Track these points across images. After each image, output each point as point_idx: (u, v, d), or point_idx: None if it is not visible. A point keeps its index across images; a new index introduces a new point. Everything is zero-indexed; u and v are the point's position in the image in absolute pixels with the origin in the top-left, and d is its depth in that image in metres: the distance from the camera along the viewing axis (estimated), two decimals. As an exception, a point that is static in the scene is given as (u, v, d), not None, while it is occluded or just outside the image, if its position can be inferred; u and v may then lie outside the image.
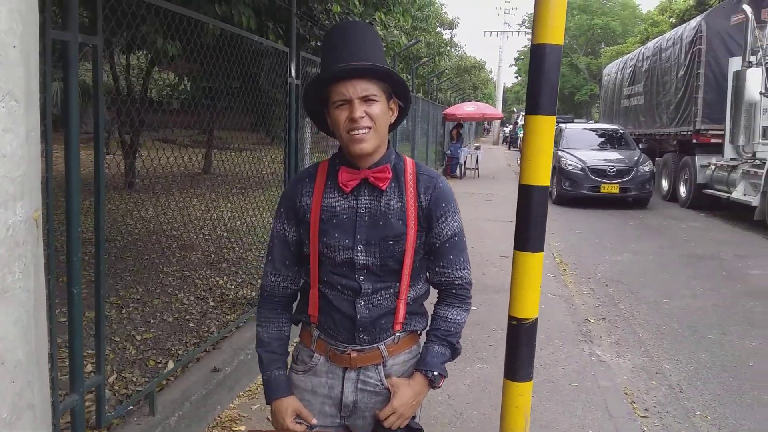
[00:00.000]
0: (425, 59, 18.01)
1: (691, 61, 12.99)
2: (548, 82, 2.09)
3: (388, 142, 1.75)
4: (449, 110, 19.68)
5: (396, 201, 1.70)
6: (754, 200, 10.23)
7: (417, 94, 16.96)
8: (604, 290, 6.64)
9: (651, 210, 12.80)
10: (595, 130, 15.62)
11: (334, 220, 1.69)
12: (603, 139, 14.73)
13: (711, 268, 7.69)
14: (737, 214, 11.32)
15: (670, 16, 28.72)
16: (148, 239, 6.64)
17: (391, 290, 1.72)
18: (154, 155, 3.76)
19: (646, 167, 13.04)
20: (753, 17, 10.61)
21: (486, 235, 8.96)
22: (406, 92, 1.75)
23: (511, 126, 45.39)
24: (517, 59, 60.42)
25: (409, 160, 1.79)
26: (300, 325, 1.84)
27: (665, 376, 4.37)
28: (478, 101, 31.23)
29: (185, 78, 7.14)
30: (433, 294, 1.87)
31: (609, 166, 12.86)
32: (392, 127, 1.77)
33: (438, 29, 25.93)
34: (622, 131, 15.15)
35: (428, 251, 1.79)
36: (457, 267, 1.79)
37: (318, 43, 5.72)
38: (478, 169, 19.28)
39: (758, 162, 10.41)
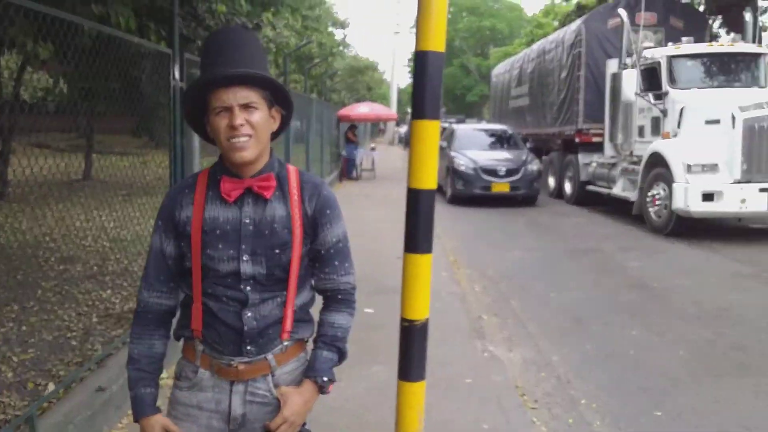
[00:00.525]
0: (318, 60, 17.94)
1: (572, 63, 13.68)
2: (432, 87, 2.12)
3: (271, 150, 1.73)
4: (343, 111, 19.72)
5: (281, 209, 1.68)
6: (632, 196, 10.91)
7: (311, 95, 16.87)
8: (496, 287, 6.84)
9: (539, 207, 13.37)
10: (485, 131, 16.09)
11: (218, 232, 1.65)
12: (493, 139, 15.18)
13: (594, 261, 8.12)
14: (618, 208, 12.01)
15: (554, 19, 30.17)
16: (23, 253, 6.18)
17: (279, 299, 1.70)
18: (26, 162, 3.50)
19: (534, 166, 13.59)
20: (628, 21, 11.30)
21: (383, 237, 9.02)
22: (288, 100, 1.74)
23: (406, 126, 46.08)
24: (410, 60, 61.47)
25: (292, 168, 1.78)
26: (182, 340, 1.78)
27: (553, 368, 4.55)
28: (372, 102, 31.54)
29: (60, 80, 6.71)
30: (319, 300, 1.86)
31: (499, 165, 13.29)
32: (275, 135, 1.75)
33: (330, 29, 25.89)
34: (510, 131, 15.70)
35: (313, 258, 1.79)
36: (343, 273, 1.81)
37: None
38: (374, 170, 19.44)
39: (635, 159, 11.11)
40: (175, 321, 1.82)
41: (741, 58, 10.73)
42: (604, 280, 7.14)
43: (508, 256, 8.47)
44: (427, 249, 2.20)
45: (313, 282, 1.83)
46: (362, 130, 30.05)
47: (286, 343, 1.73)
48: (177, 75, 4.24)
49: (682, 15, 13.35)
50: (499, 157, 13.73)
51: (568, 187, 14.18)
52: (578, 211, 12.87)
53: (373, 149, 21.53)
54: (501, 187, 13.11)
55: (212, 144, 1.72)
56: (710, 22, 16.11)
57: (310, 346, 1.84)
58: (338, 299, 1.82)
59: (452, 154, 13.90)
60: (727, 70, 10.69)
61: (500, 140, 15.13)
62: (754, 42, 11.33)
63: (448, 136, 15.53)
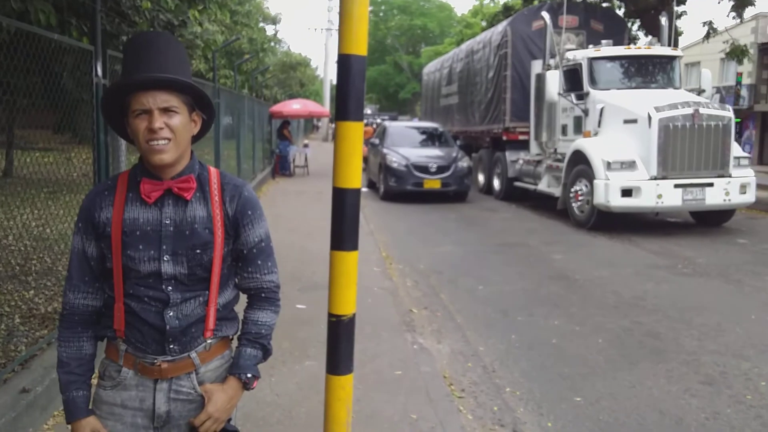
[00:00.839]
0: (248, 56, 17.70)
1: (499, 63, 14.03)
2: (354, 90, 2.20)
3: (192, 152, 1.76)
4: (275, 108, 19.57)
5: (202, 210, 1.72)
6: (557, 191, 11.31)
7: (241, 91, 16.65)
8: (426, 281, 6.99)
9: (469, 203, 13.67)
10: (417, 128, 16.30)
11: (138, 233, 1.67)
12: (424, 137, 15.40)
13: (520, 255, 8.40)
14: (543, 204, 12.44)
15: (482, 19, 30.77)
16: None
17: (201, 298, 1.73)
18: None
19: (464, 163, 13.88)
20: (551, 24, 11.72)
21: (316, 233, 9.04)
22: (209, 105, 1.78)
23: (340, 123, 45.92)
24: (343, 56, 61.40)
25: (213, 170, 1.82)
26: (105, 340, 1.79)
27: (480, 357, 4.71)
28: (305, 98, 31.35)
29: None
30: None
31: (430, 162, 13.50)
32: (196, 138, 1.79)
33: (261, 24, 25.57)
34: (441, 129, 15.98)
35: (236, 258, 1.83)
36: (266, 272, 1.86)
37: (129, 36, 5.44)
38: (307, 166, 19.38)
39: (559, 157, 11.51)
40: None
41: (657, 61, 11.28)
42: (529, 272, 7.40)
43: (439, 250, 8.65)
44: (353, 246, 2.27)
45: (236, 281, 1.87)
46: (295, 127, 29.86)
47: (209, 341, 1.76)
48: (99, 72, 4.15)
49: (602, 18, 13.92)
50: (431, 155, 13.95)
51: (496, 184, 14.55)
52: (506, 206, 13.23)
53: (306, 146, 21.43)
54: (432, 183, 13.33)
55: (132, 144, 1.73)
56: (629, 25, 16.83)
57: (235, 343, 1.88)
58: (262, 297, 1.87)
59: (385, 151, 14.05)
60: (644, 71, 11.22)
61: (431, 138, 15.37)
62: (669, 45, 11.94)
63: (380, 133, 15.67)
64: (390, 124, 16.71)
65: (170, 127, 1.63)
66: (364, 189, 15.94)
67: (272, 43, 26.64)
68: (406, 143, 14.60)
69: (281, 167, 18.55)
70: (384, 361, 4.44)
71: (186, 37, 5.76)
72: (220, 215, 1.74)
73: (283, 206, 12.01)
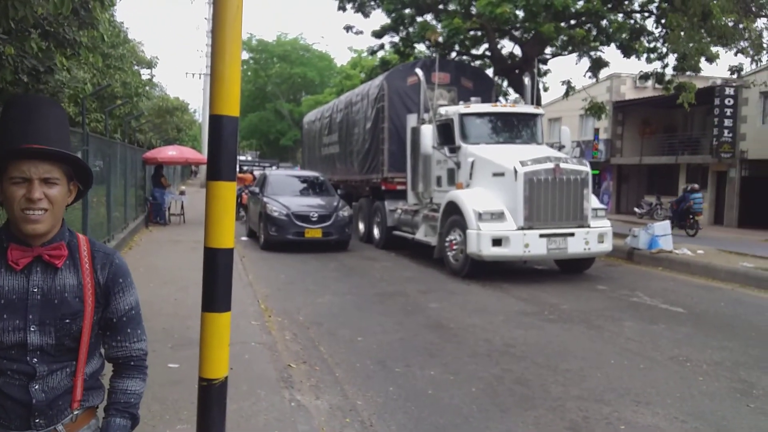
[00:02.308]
0: (120, 101, 17.07)
1: (376, 115, 14.44)
2: (227, 150, 2.21)
3: (63, 220, 1.73)
4: (149, 154, 18.90)
5: (72, 279, 1.68)
6: (433, 240, 11.68)
7: (113, 135, 15.96)
8: (305, 334, 6.93)
9: (350, 251, 13.77)
10: (297, 177, 16.33)
11: (2, 301, 1.61)
12: (305, 185, 15.42)
13: (399, 304, 8.54)
14: (421, 252, 12.76)
15: (361, 71, 31.64)
16: None
17: (68, 369, 1.69)
18: None
19: (345, 212, 13.98)
20: (424, 80, 12.26)
21: (191, 285, 8.71)
22: (89, 177, 1.77)
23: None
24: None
25: (82, 237, 1.78)
26: None
27: (358, 412, 4.70)
28: (182, 144, 30.57)
29: None
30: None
31: (312, 211, 13.49)
32: (68, 205, 1.76)
33: (135, 68, 24.82)
34: (322, 178, 16.07)
35: (104, 326, 1.79)
36: (135, 340, 1.84)
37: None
38: (183, 214, 18.77)
39: (435, 207, 11.93)
40: None
41: (522, 117, 12.10)
42: (406, 321, 7.52)
43: (319, 301, 8.62)
44: (225, 307, 2.23)
45: (103, 350, 1.83)
46: (172, 173, 28.92)
47: (76, 413, 1.72)
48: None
49: (472, 76, 14.76)
50: (312, 204, 13.96)
51: (376, 232, 14.79)
52: (386, 255, 13.45)
53: (182, 193, 20.79)
54: (314, 232, 13.30)
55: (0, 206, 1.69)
56: (497, 83, 17.95)
57: (100, 412, 1.83)
58: (130, 366, 1.84)
59: (265, 200, 13.90)
60: (510, 127, 11.98)
61: (312, 186, 15.40)
62: (532, 103, 12.84)
63: (261, 181, 15.52)
64: (271, 173, 16.63)
65: (49, 198, 1.61)
66: (243, 238, 15.65)
67: (147, 87, 25.84)
68: (287, 192, 14.56)
69: (155, 215, 17.83)
70: (260, 420, 4.32)
71: (52, 84, 5.49)
72: (90, 284, 1.71)
73: (156, 257, 11.51)
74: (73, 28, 5.45)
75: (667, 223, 13.42)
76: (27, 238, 1.63)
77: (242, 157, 45.58)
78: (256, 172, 23.64)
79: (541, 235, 9.99)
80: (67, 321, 1.65)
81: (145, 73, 28.66)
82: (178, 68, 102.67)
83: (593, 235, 10.36)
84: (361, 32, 24.04)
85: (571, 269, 11.25)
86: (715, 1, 13.10)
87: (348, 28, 20.06)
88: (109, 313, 1.77)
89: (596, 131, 29.18)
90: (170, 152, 18.84)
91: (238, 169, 28.42)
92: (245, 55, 51.13)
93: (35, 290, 1.63)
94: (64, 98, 6.77)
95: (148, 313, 7.11)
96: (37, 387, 1.62)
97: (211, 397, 2.20)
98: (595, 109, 18.30)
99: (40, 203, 1.58)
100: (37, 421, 1.64)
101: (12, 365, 1.61)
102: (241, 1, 2.18)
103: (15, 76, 4.98)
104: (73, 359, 1.69)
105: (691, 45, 14.35)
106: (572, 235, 10.18)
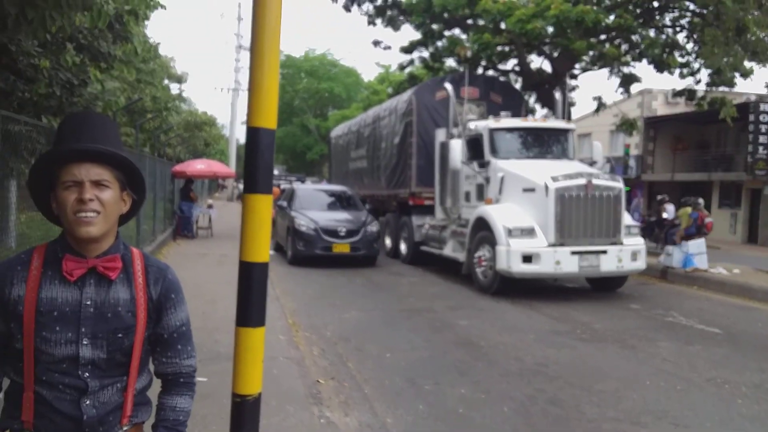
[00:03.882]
0: (150, 115, 17.30)
1: (404, 130, 14.41)
2: (264, 162, 2.18)
3: (118, 233, 1.71)
4: (178, 167, 19.08)
5: (125, 292, 1.67)
6: (461, 256, 11.54)
7: (143, 149, 16.15)
8: (333, 349, 6.85)
9: (377, 267, 13.68)
10: (325, 191, 16.26)
11: (55, 313, 1.58)
12: (333, 200, 15.34)
13: (427, 320, 8.42)
14: (449, 268, 12.62)
15: (389, 86, 31.72)
16: None
17: (119, 385, 1.67)
18: None
19: (374, 227, 13.82)
20: (453, 94, 12.20)
21: (219, 299, 8.72)
22: (142, 184, 1.75)
23: (246, 183, 45.56)
24: (250, 117, 61.44)
25: (136, 251, 1.77)
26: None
27: (388, 430, 4.60)
28: (210, 158, 30.87)
29: None
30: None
31: (339, 226, 13.36)
32: (124, 219, 1.74)
33: (166, 83, 25.22)
34: (350, 192, 16.01)
35: (154, 341, 1.78)
36: (185, 356, 1.82)
37: (25, 95, 5.16)
38: (211, 228, 18.88)
39: (463, 222, 11.81)
40: None
41: (552, 133, 11.95)
42: (435, 338, 7.41)
43: (346, 316, 8.54)
44: (259, 322, 2.20)
45: (153, 365, 1.81)
46: (200, 187, 29.20)
47: (125, 429, 1.70)
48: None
49: (501, 91, 14.68)
50: (340, 218, 13.83)
51: (403, 248, 14.69)
52: (413, 270, 13.34)
53: (210, 207, 20.93)
54: (342, 247, 13.18)
55: (56, 224, 1.69)
56: (526, 98, 17.83)
57: (147, 428, 1.80)
58: (180, 383, 1.82)
59: (293, 214, 13.85)
60: (540, 142, 11.84)
61: (340, 201, 15.30)
62: (563, 118, 12.69)
63: (288, 195, 15.54)
64: (299, 187, 16.63)
65: (100, 200, 1.59)
66: (270, 252, 15.65)
67: (177, 102, 26.21)
68: (315, 206, 14.49)
69: (183, 228, 17.96)
70: (289, 439, 4.24)
71: (86, 97, 5.54)
72: (143, 298, 1.69)
73: (184, 270, 11.55)
74: (108, 41, 5.50)
75: (702, 241, 13.09)
76: (81, 245, 1.62)
77: (270, 172, 45.76)
78: (284, 186, 23.73)
79: (573, 253, 9.81)
80: (120, 335, 1.64)
81: (174, 88, 29.10)
82: (207, 83, 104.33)
83: (626, 252, 10.15)
84: (389, 47, 24.20)
85: (604, 287, 11.03)
86: (750, 16, 12.87)
87: (376, 43, 20.20)
88: (160, 329, 1.76)
89: (627, 147, 28.80)
90: (198, 166, 19.01)
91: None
92: (272, 71, 51.58)
93: (88, 303, 1.62)
94: (98, 111, 6.84)
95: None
96: (88, 402, 1.61)
97: (245, 414, 2.17)
98: (626, 125, 18.07)
99: (92, 204, 1.57)
100: None
101: (63, 379, 1.59)
102: (280, 12, 2.14)
103: (49, 89, 5.03)
104: (124, 374, 1.67)
105: (725, 60, 14.10)
106: (605, 252, 9.98)
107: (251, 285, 2.16)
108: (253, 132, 2.15)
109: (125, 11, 5.41)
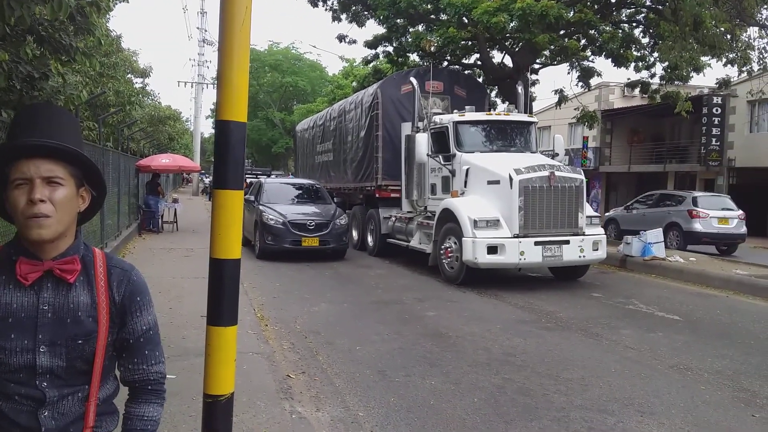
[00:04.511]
0: (113, 109, 16.99)
1: (370, 123, 14.42)
2: (234, 157, 2.15)
3: (77, 231, 1.62)
4: (143, 162, 18.82)
5: (85, 296, 1.57)
6: (428, 248, 11.64)
7: (106, 144, 15.84)
8: (303, 343, 6.86)
9: (344, 260, 13.68)
10: (293, 185, 16.17)
11: (10, 320, 1.50)
12: (301, 193, 15.25)
13: (395, 312, 8.48)
14: (416, 259, 12.72)
15: (353, 81, 31.66)
16: None
17: (80, 394, 1.58)
18: None
19: (342, 220, 13.77)
20: (418, 88, 12.26)
21: (185, 294, 8.66)
22: (100, 180, 1.65)
23: (211, 177, 45.19)
24: (214, 111, 60.83)
25: (98, 252, 1.68)
26: None
27: (360, 424, 4.63)
28: (174, 152, 30.44)
29: None
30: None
31: (308, 220, 13.28)
32: (85, 217, 1.66)
33: (129, 77, 24.75)
34: (318, 186, 15.94)
35: (120, 348, 1.68)
36: (153, 362, 1.72)
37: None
38: (176, 222, 18.66)
39: (429, 214, 11.90)
40: None
41: (515, 126, 12.11)
42: (404, 330, 7.47)
43: (316, 309, 8.54)
44: (231, 321, 2.17)
45: (119, 373, 1.73)
46: (164, 181, 28.75)
47: None
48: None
49: (465, 85, 14.80)
50: (308, 212, 13.76)
51: (370, 240, 14.73)
52: (380, 262, 13.40)
53: (175, 201, 20.67)
54: (311, 241, 13.08)
55: (11, 222, 1.58)
56: (489, 92, 18.01)
57: None
58: (148, 390, 1.72)
59: (261, 208, 13.73)
60: (504, 135, 11.99)
61: (309, 194, 15.21)
62: (525, 111, 12.86)
63: (256, 189, 15.42)
64: (266, 180, 16.49)
65: (52, 201, 1.49)
66: (236, 246, 15.54)
67: (140, 96, 25.75)
68: (283, 200, 14.40)
69: (148, 223, 17.73)
70: (260, 433, 4.25)
71: (47, 90, 5.42)
72: (105, 302, 1.60)
73: (150, 265, 11.41)
74: (69, 33, 5.39)
75: (659, 230, 13.45)
76: (35, 248, 1.53)
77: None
78: (250, 180, 23.53)
79: (537, 243, 9.98)
80: (80, 342, 1.55)
81: (138, 82, 28.57)
82: (171, 77, 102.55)
83: (588, 242, 10.36)
84: (355, 41, 23.96)
85: (566, 276, 11.25)
86: (706, 11, 13.19)
87: (341, 38, 20.09)
88: (126, 334, 1.65)
89: (585, 139, 29.35)
90: (163, 160, 18.77)
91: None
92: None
93: (45, 308, 1.53)
94: (59, 105, 6.70)
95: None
96: (46, 414, 1.53)
97: (217, 414, 2.14)
98: (586, 118, 18.39)
99: (43, 206, 1.47)
100: None
101: (19, 389, 1.51)
102: (250, 6, 2.13)
103: (9, 82, 4.91)
104: (85, 383, 1.59)
105: (682, 55, 14.44)
106: (567, 242, 10.18)
107: (222, 282, 2.13)
108: (223, 126, 2.12)
109: (87, 3, 5.31)
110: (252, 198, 14.90)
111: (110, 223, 13.24)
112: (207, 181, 44.85)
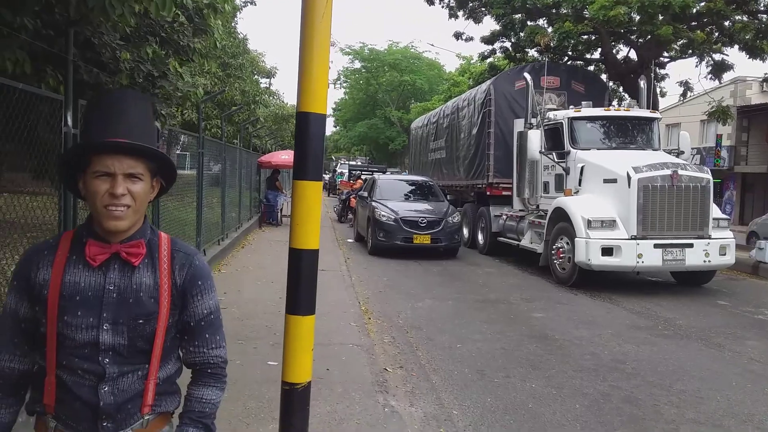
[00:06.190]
0: (236, 107, 17.87)
1: (482, 120, 14.21)
2: (313, 149, 2.15)
3: (144, 216, 1.69)
4: (264, 158, 19.66)
5: (149, 278, 1.64)
6: (539, 248, 11.30)
7: (232, 141, 16.71)
8: (404, 338, 6.86)
9: (454, 257, 13.54)
10: (406, 181, 16.11)
11: (78, 297, 1.58)
12: (414, 190, 15.18)
13: (501, 311, 8.30)
14: (526, 259, 12.39)
15: (469, 78, 31.36)
16: None
17: (140, 372, 1.63)
18: None
19: (455, 218, 13.51)
20: (532, 84, 11.93)
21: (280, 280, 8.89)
22: (173, 173, 1.73)
23: (330, 173, 46.54)
24: (335, 110, 62.33)
25: (164, 236, 1.74)
26: (35, 415, 1.67)
27: (453, 422, 4.55)
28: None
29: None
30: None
31: (420, 217, 13.13)
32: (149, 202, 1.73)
33: (255, 77, 25.94)
34: (431, 183, 15.84)
35: (182, 330, 1.74)
36: (213, 346, 1.76)
37: (109, 86, 5.44)
38: (294, 216, 19.32)
39: (541, 213, 11.55)
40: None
41: (636, 122, 11.47)
42: (509, 330, 7.29)
43: (420, 305, 8.54)
44: (309, 310, 2.17)
45: (181, 354, 1.78)
46: (285, 177, 29.85)
47: (147, 418, 1.67)
48: (69, 122, 4.14)
49: (584, 80, 14.23)
50: (421, 209, 13.62)
51: (480, 238, 14.53)
52: (490, 261, 13.18)
53: (293, 196, 21.41)
54: (422, 239, 12.94)
55: (81, 199, 1.67)
56: (610, 87, 17.19)
57: (176, 419, 1.78)
58: (207, 373, 1.76)
59: (373, 204, 13.80)
60: (623, 132, 11.38)
61: (422, 191, 15.12)
62: (648, 107, 12.15)
63: (369, 186, 15.62)
64: (379, 177, 16.63)
65: (132, 194, 1.58)
66: (350, 240, 15.88)
67: (265, 96, 26.92)
68: (396, 196, 14.38)
69: (268, 216, 18.52)
70: (351, 425, 4.29)
71: (166, 88, 5.78)
72: (167, 284, 1.66)
73: (265, 256, 11.91)
74: (188, 34, 5.71)
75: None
76: (107, 234, 1.60)
77: (352, 162, 46.57)
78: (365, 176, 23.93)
79: (656, 246, 9.40)
80: (141, 322, 1.60)
81: (264, 82, 29.86)
82: (296, 78, 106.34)
83: (714, 246, 9.62)
84: (471, 38, 23.77)
85: (689, 282, 10.51)
86: None
87: (458, 36, 19.95)
88: (187, 317, 1.71)
89: (719, 137, 27.31)
90: (283, 156, 19.48)
91: (348, 175, 28.84)
92: (357, 65, 52.20)
93: (111, 288, 1.60)
94: (177, 102, 7.11)
95: (253, 310, 7.33)
96: (106, 389, 1.58)
97: (293, 402, 2.15)
98: (719, 113, 17.09)
99: (124, 199, 1.55)
100: (105, 424, 1.59)
101: (83, 364, 1.58)
102: (331, -1, 2.12)
103: (131, 80, 5.26)
104: (145, 362, 1.63)
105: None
106: (691, 246, 9.51)
107: (300, 272, 2.14)
108: (302, 117, 2.12)
109: (205, 5, 5.60)
110: (365, 194, 15.09)
111: (232, 216, 13.94)
112: (326, 177, 46.23)
